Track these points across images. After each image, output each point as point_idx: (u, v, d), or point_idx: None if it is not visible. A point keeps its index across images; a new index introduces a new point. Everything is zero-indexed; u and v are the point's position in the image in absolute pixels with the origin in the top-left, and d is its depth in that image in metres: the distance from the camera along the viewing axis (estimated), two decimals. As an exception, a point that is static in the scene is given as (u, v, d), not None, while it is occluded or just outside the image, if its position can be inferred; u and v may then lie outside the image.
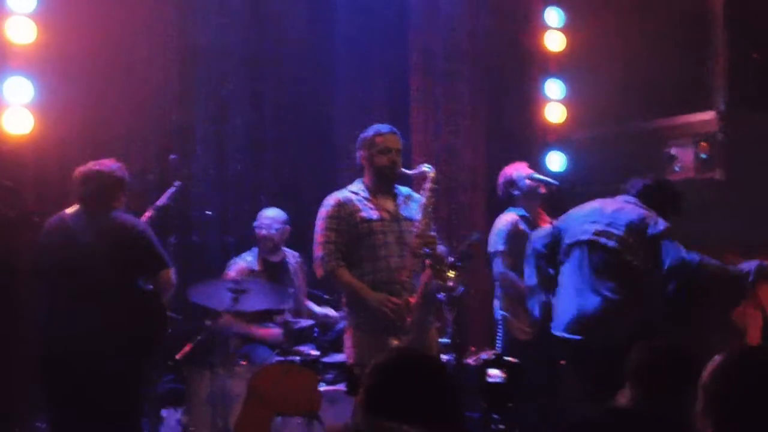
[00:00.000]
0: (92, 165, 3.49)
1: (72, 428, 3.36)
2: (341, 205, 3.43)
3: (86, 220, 3.40)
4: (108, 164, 3.51)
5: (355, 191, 3.48)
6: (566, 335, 3.35)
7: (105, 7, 4.25)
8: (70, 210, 3.48)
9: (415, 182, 3.77)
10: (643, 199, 3.39)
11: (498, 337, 4.13)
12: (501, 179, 4.31)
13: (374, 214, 3.42)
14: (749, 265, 3.33)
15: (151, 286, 3.44)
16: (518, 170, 4.26)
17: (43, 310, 3.45)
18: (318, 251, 3.41)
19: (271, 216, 4.43)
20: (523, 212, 4.21)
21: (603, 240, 3.29)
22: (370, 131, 3.52)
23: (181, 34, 4.61)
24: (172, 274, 3.46)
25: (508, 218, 4.20)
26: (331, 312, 4.33)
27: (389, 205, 3.48)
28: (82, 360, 3.25)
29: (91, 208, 3.43)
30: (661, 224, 3.27)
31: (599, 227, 3.33)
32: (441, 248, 3.48)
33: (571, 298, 3.36)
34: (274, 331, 4.21)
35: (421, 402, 1.60)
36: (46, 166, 4.05)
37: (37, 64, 3.98)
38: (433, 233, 3.43)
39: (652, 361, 2.04)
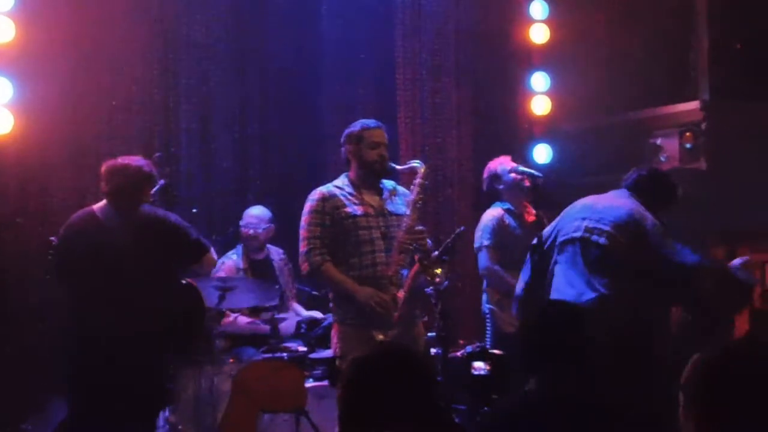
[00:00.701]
0: (121, 160, 3.48)
1: (95, 423, 3.32)
2: (326, 199, 3.41)
3: (119, 217, 3.39)
4: (136, 160, 3.50)
5: (339, 186, 3.47)
6: None
7: (85, 4, 4.22)
8: (97, 206, 3.45)
9: (402, 177, 3.76)
10: (635, 192, 3.36)
11: (487, 331, 4.13)
12: (485, 174, 4.30)
13: (359, 210, 3.41)
14: (736, 263, 3.32)
15: (186, 281, 3.47)
16: (502, 164, 4.25)
17: (72, 308, 3.41)
18: (303, 246, 3.40)
19: (257, 215, 4.42)
20: (508, 206, 4.21)
21: (594, 237, 3.27)
22: (356, 126, 3.51)
23: (164, 31, 4.57)
24: (213, 254, 3.54)
25: (493, 213, 4.20)
26: (317, 315, 4.31)
27: (374, 200, 3.47)
28: (118, 357, 3.22)
29: (120, 205, 3.41)
30: (650, 222, 3.23)
31: (590, 224, 3.30)
32: (428, 244, 3.47)
33: (564, 293, 3.35)
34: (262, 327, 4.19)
35: (398, 397, 1.58)
36: (28, 166, 4.02)
37: (17, 63, 3.94)
38: (421, 228, 3.43)
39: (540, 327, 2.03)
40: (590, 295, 3.24)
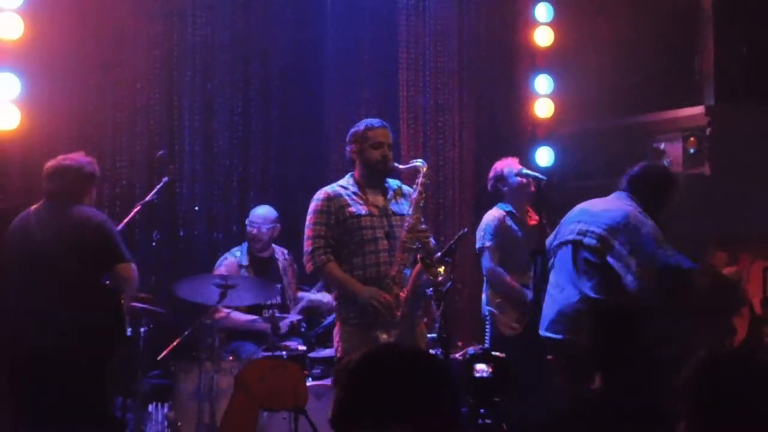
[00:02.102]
0: (61, 160, 3.44)
1: (37, 423, 3.31)
2: (331, 199, 3.41)
3: (47, 215, 3.37)
4: (77, 159, 3.45)
5: (344, 186, 3.47)
6: (549, 334, 3.35)
7: (92, 2, 4.24)
8: (35, 206, 3.44)
9: (405, 177, 3.77)
10: (632, 193, 3.36)
11: (486, 333, 4.14)
12: (491, 174, 4.30)
13: (363, 210, 3.41)
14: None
15: (108, 281, 3.39)
16: (509, 166, 4.25)
17: (9, 305, 3.41)
18: (308, 246, 3.40)
19: (262, 215, 4.42)
20: (510, 208, 4.21)
21: (586, 240, 3.27)
22: (361, 125, 3.50)
23: (168, 28, 4.59)
24: (131, 268, 3.39)
25: (495, 214, 4.20)
26: (327, 297, 4.29)
27: (379, 200, 3.46)
28: (43, 355, 3.22)
29: (55, 203, 3.39)
30: (647, 226, 3.22)
31: (583, 226, 3.31)
32: (432, 242, 3.47)
33: (555, 297, 3.36)
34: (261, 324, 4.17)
35: (403, 396, 1.57)
36: (33, 161, 4.02)
37: (24, 60, 3.97)
38: (424, 227, 3.43)
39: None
40: (575, 297, 3.24)
